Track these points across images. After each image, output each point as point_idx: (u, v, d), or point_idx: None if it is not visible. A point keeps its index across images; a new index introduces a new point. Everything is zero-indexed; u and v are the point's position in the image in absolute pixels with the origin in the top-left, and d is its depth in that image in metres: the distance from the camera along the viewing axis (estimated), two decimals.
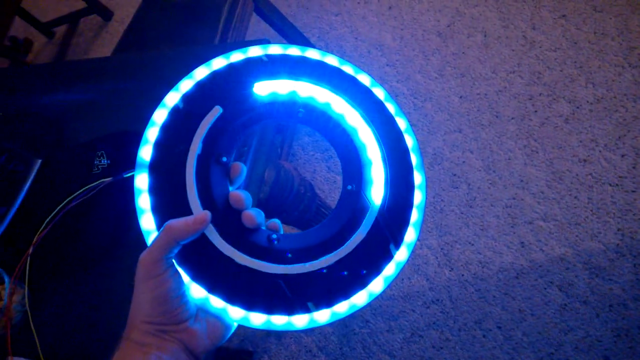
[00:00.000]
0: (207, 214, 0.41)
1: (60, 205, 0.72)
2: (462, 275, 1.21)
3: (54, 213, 0.71)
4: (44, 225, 0.70)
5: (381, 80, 1.53)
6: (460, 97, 1.41)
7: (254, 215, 0.44)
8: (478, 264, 1.21)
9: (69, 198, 0.73)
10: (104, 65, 1.06)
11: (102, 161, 0.81)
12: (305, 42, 1.51)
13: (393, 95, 1.49)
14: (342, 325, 1.27)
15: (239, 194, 0.44)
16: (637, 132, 1.20)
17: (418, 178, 0.48)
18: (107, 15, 2.20)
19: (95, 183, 0.74)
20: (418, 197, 0.48)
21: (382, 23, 1.63)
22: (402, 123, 0.51)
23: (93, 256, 0.75)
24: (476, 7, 1.52)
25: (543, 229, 1.19)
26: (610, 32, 1.33)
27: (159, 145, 0.45)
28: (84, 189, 0.73)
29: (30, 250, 0.69)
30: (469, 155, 1.33)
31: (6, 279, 0.71)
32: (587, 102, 1.28)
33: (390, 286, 1.23)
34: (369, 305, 1.25)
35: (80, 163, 0.83)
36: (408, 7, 1.62)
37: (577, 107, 1.28)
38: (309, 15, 1.76)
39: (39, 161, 0.88)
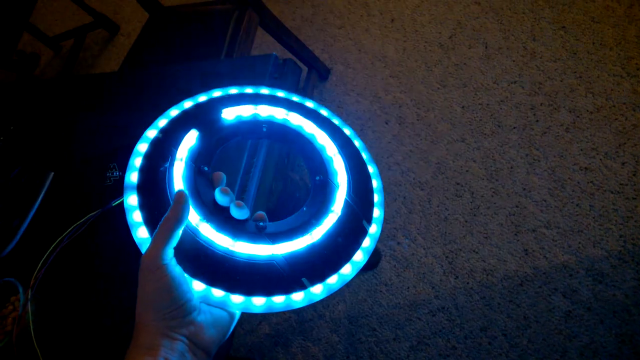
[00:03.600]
0: (181, 191, 0.44)
1: (52, 246, 0.73)
2: (467, 283, 1.23)
3: (45, 256, 0.72)
4: (39, 265, 0.71)
5: (385, 91, 1.56)
6: (463, 107, 1.44)
7: (242, 203, 0.48)
8: (483, 272, 1.22)
9: (58, 240, 0.74)
10: (114, 79, 1.08)
11: (114, 173, 0.83)
12: (309, 55, 1.54)
13: (397, 105, 1.52)
14: (348, 334, 1.28)
15: (225, 187, 0.49)
16: (637, 140, 1.22)
17: (371, 169, 0.58)
18: (113, 29, 2.23)
19: (84, 219, 0.75)
20: (375, 183, 0.56)
21: (385, 35, 1.66)
22: (347, 131, 0.61)
23: (100, 271, 0.76)
24: (477, 19, 1.55)
25: (546, 237, 1.20)
26: (608, 42, 1.36)
27: (144, 170, 0.50)
28: (72, 226, 0.74)
29: (34, 286, 0.70)
30: (472, 164, 1.35)
31: (20, 290, 0.72)
32: (587, 111, 1.30)
33: (396, 294, 1.25)
34: (375, 314, 1.26)
35: (92, 175, 0.85)
36: (410, 19, 1.65)
37: (578, 116, 1.30)
38: (313, 28, 1.79)
39: (51, 174, 0.90)
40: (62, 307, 0.73)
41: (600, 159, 1.23)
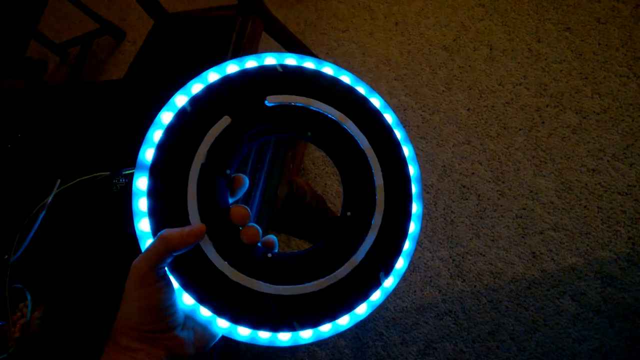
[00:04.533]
0: (203, 227, 0.41)
1: (53, 193, 0.72)
2: (475, 286, 1.22)
3: (49, 198, 0.71)
4: (38, 207, 0.70)
5: (389, 95, 1.56)
6: (468, 109, 1.44)
7: (253, 233, 0.44)
8: (490, 275, 1.22)
9: (63, 187, 0.72)
10: (120, 86, 1.09)
11: (121, 180, 0.83)
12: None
13: (402, 108, 1.52)
14: (355, 338, 1.27)
15: (241, 211, 0.44)
16: None
17: (415, 208, 0.49)
18: (119, 36, 2.25)
19: (91, 176, 0.73)
20: (412, 227, 0.49)
21: (389, 38, 1.66)
22: (406, 151, 0.51)
23: (91, 259, 0.76)
24: (481, 21, 1.55)
25: (554, 239, 1.20)
26: (614, 43, 1.35)
27: (162, 148, 0.44)
28: (76, 180, 0.73)
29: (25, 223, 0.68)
30: (478, 166, 1.35)
31: (28, 296, 0.73)
32: (594, 112, 1.29)
33: (403, 298, 1.24)
34: (382, 318, 1.26)
35: (99, 182, 0.85)
36: (414, 22, 1.65)
37: (584, 118, 1.29)
38: (317, 32, 1.80)
39: (59, 180, 0.90)
40: (71, 314, 0.73)
41: (608, 161, 1.22)
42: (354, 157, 0.49)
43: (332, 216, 1.21)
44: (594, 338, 1.08)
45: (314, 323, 0.44)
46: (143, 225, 0.43)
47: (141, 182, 0.43)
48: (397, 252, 0.48)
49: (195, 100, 0.46)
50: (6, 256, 0.81)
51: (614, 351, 1.06)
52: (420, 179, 0.51)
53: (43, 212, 0.85)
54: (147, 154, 0.44)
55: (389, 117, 0.52)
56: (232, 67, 0.48)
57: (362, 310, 0.46)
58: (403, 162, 0.50)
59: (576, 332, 1.10)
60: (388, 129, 0.51)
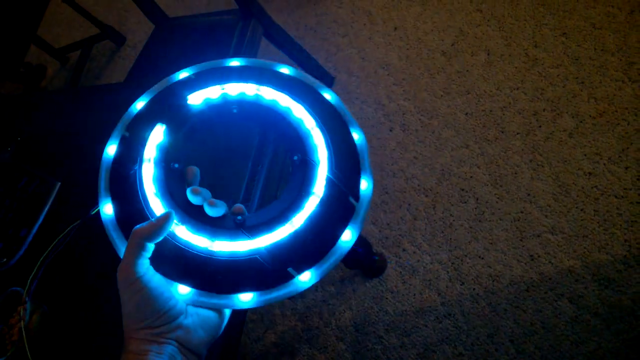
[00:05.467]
0: (170, 212, 0.43)
1: (38, 264, 0.74)
2: (473, 289, 1.22)
3: (35, 268, 0.73)
4: (31, 276, 0.72)
5: (388, 99, 1.57)
6: (466, 113, 1.45)
7: (215, 201, 0.47)
8: (489, 278, 1.22)
9: (44, 255, 0.74)
10: (119, 90, 1.10)
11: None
12: (313, 63, 1.55)
13: (400, 113, 1.53)
14: (355, 342, 1.27)
15: (196, 187, 0.47)
16: None
17: (356, 136, 0.52)
18: (119, 40, 2.26)
19: (66, 230, 0.75)
20: (356, 136, 0.52)
21: (388, 43, 1.67)
22: (327, 95, 0.55)
23: (105, 277, 0.76)
24: (479, 26, 1.56)
25: (551, 242, 1.20)
26: (610, 48, 1.36)
27: (115, 175, 0.49)
28: (56, 240, 0.75)
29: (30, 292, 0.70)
30: (476, 170, 1.36)
31: (27, 299, 0.73)
32: (590, 116, 1.30)
33: (402, 301, 1.25)
34: (381, 321, 1.26)
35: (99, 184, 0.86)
36: (413, 27, 1.66)
37: (581, 122, 1.31)
38: (317, 37, 1.81)
39: (58, 183, 0.90)
40: (68, 316, 0.73)
41: (604, 164, 1.24)
42: (280, 114, 0.53)
43: None
44: (591, 340, 1.09)
45: (308, 263, 0.45)
46: (120, 244, 0.47)
47: (107, 209, 0.48)
48: (357, 174, 0.49)
49: (130, 126, 0.53)
50: (5, 259, 0.82)
51: (612, 353, 1.06)
52: (344, 107, 0.55)
53: (40, 219, 0.85)
54: (104, 184, 0.50)
55: (286, 70, 0.57)
56: (150, 93, 0.57)
57: (347, 236, 0.46)
58: (328, 103, 0.54)
59: (574, 335, 1.10)
60: (302, 82, 0.56)
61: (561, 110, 1.34)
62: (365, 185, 0.49)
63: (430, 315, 1.24)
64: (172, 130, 0.52)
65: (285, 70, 0.57)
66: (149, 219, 0.45)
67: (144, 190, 0.47)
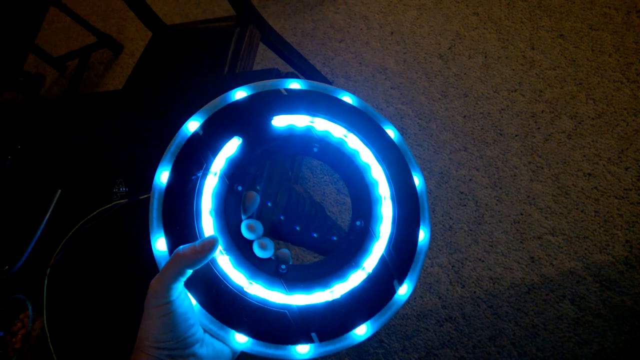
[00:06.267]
0: (215, 239, 0.42)
1: (77, 226, 0.74)
2: (474, 292, 1.22)
3: (70, 234, 0.73)
4: (60, 245, 0.72)
5: (386, 103, 1.57)
6: (464, 116, 1.45)
7: (266, 243, 0.45)
8: (489, 280, 1.22)
9: (85, 219, 0.75)
10: (119, 97, 1.10)
11: (121, 189, 0.84)
12: (310, 69, 1.55)
13: (398, 116, 1.53)
14: (356, 346, 1.27)
15: (252, 223, 0.46)
16: (639, 145, 1.23)
17: (422, 234, 0.50)
18: (117, 48, 2.26)
19: (111, 205, 0.76)
20: (422, 235, 0.49)
21: (385, 48, 1.68)
22: (416, 180, 0.52)
23: (110, 281, 0.77)
24: (475, 29, 1.57)
25: (552, 244, 1.20)
26: (607, 49, 1.37)
27: (176, 170, 0.46)
28: (98, 210, 0.75)
29: (47, 272, 0.71)
30: (475, 173, 1.36)
31: (29, 306, 0.73)
32: (589, 117, 1.30)
33: (403, 305, 1.24)
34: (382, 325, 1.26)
35: (100, 191, 0.86)
36: (410, 31, 1.67)
37: (579, 123, 1.31)
38: (314, 42, 1.82)
39: (59, 191, 0.91)
40: (72, 324, 0.73)
41: (604, 165, 1.24)
42: (358, 169, 0.51)
43: (332, 223, 1.21)
44: (594, 341, 1.08)
45: (332, 333, 0.44)
46: (160, 245, 0.44)
47: (157, 204, 0.45)
48: (410, 257, 0.48)
49: (207, 124, 0.49)
50: (7, 267, 0.82)
51: (614, 354, 1.06)
52: (426, 190, 0.52)
53: (41, 227, 0.85)
54: (162, 176, 0.46)
55: (391, 132, 0.54)
56: (240, 93, 0.51)
57: (378, 319, 0.46)
58: (408, 174, 0.51)
59: (576, 336, 1.10)
60: (391, 144, 0.53)
61: (559, 112, 1.34)
62: (414, 270, 0.48)
63: (431, 319, 1.23)
64: (246, 148, 0.49)
65: (388, 131, 0.54)
66: (195, 233, 0.44)
67: (200, 203, 0.46)
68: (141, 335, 0.40)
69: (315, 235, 1.14)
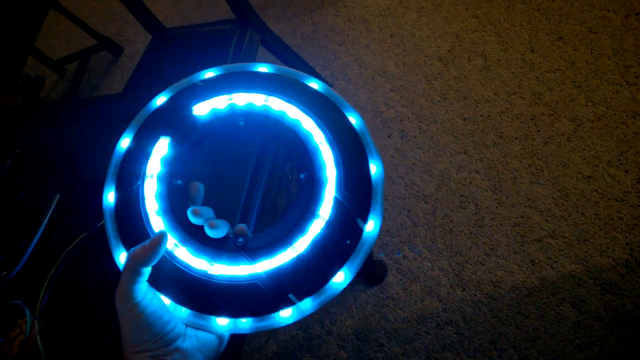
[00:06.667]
0: (162, 233, 0.42)
1: (51, 272, 0.74)
2: (475, 295, 1.22)
3: (47, 280, 0.73)
4: (42, 290, 0.71)
5: (386, 106, 1.57)
6: (464, 119, 1.45)
7: (216, 223, 0.45)
8: (490, 284, 1.22)
9: (56, 264, 0.74)
10: (117, 101, 1.10)
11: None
12: (310, 72, 1.55)
13: (398, 119, 1.53)
14: (357, 350, 1.27)
15: (196, 208, 0.46)
16: (639, 147, 1.22)
17: (373, 167, 0.49)
18: (117, 51, 2.26)
19: (76, 240, 0.75)
20: (374, 168, 0.48)
21: (384, 50, 1.68)
22: (352, 120, 0.51)
23: (101, 289, 0.76)
24: (475, 32, 1.57)
25: (552, 247, 1.20)
26: (606, 52, 1.37)
27: (119, 186, 0.49)
28: (65, 251, 0.75)
29: (37, 307, 0.70)
30: (475, 175, 1.36)
31: (27, 312, 0.72)
32: (588, 120, 1.30)
33: (403, 308, 1.24)
34: (383, 329, 1.25)
35: (98, 196, 0.86)
36: (409, 34, 1.67)
37: (579, 125, 1.31)
38: (314, 45, 1.82)
39: (57, 195, 0.90)
40: (69, 329, 0.73)
41: (603, 167, 1.24)
42: (287, 126, 0.51)
43: None
44: (594, 345, 1.08)
45: (309, 290, 0.43)
46: (122, 259, 0.46)
47: (110, 223, 0.47)
48: (367, 194, 0.46)
49: (136, 137, 0.51)
50: (5, 272, 0.81)
51: (615, 357, 1.06)
52: (366, 128, 0.50)
53: (40, 231, 0.85)
54: (109, 197, 0.49)
55: (315, 85, 0.53)
56: (160, 99, 0.55)
57: (353, 262, 0.44)
58: (342, 117, 0.50)
59: (577, 339, 1.10)
60: (318, 95, 0.52)
61: (559, 115, 1.34)
62: (376, 205, 0.46)
63: (431, 322, 1.23)
64: (176, 143, 0.51)
65: (312, 84, 0.54)
66: (149, 235, 0.45)
67: (145, 208, 0.47)
68: (124, 344, 0.41)
69: None
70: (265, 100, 0.52)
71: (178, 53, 1.39)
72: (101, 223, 0.74)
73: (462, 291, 1.24)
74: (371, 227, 0.45)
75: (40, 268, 0.79)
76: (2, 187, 0.95)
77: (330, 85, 1.67)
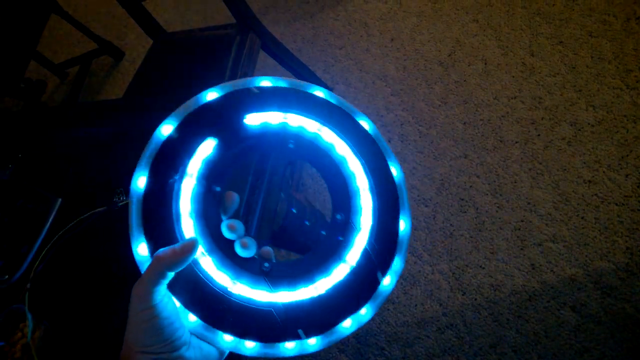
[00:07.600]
0: (194, 240, 0.42)
1: (56, 237, 0.74)
2: (475, 299, 1.22)
3: (50, 245, 0.73)
4: (41, 256, 0.71)
5: (386, 110, 1.57)
6: (464, 123, 1.45)
7: (248, 242, 0.45)
8: (490, 288, 1.22)
9: (64, 229, 0.74)
10: (120, 105, 1.10)
11: (122, 197, 0.84)
12: (311, 76, 1.56)
13: (398, 123, 1.53)
14: (357, 354, 1.27)
15: (233, 223, 0.46)
16: (639, 152, 1.22)
17: (402, 224, 0.50)
18: (118, 55, 2.27)
19: (88, 213, 0.75)
20: (403, 225, 0.50)
21: (385, 54, 1.68)
22: (394, 170, 0.52)
23: (97, 287, 0.76)
24: (475, 36, 1.57)
25: (552, 251, 1.20)
26: (606, 56, 1.37)
27: (153, 174, 0.46)
28: (76, 220, 0.75)
29: (28, 286, 0.70)
30: (475, 179, 1.36)
31: (29, 317, 0.73)
32: (589, 124, 1.31)
33: (404, 312, 1.24)
34: (383, 333, 1.25)
35: (100, 200, 0.86)
36: (410, 38, 1.67)
37: (579, 130, 1.31)
38: (314, 49, 1.82)
39: (59, 200, 0.91)
40: (71, 333, 0.73)
41: (604, 172, 1.24)
42: (334, 162, 0.51)
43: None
44: (595, 349, 1.08)
45: (318, 329, 0.44)
46: (141, 250, 0.44)
47: (136, 209, 0.45)
48: (392, 248, 0.48)
49: (180, 127, 0.49)
50: (7, 276, 0.82)
51: None
52: (404, 180, 0.52)
53: (41, 236, 0.85)
54: (140, 181, 0.46)
55: (366, 124, 0.54)
56: (211, 94, 0.51)
57: (364, 312, 0.46)
58: (385, 164, 0.52)
59: (577, 344, 1.10)
60: (366, 136, 0.53)
61: (559, 119, 1.34)
62: (398, 264, 0.48)
63: (432, 326, 1.23)
64: (222, 147, 0.49)
65: (362, 122, 0.54)
66: (176, 237, 0.44)
67: (178, 206, 0.45)
68: (127, 341, 0.40)
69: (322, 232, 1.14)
70: (319, 130, 0.51)
71: (179, 57, 1.40)
72: (124, 202, 0.74)
73: (463, 295, 1.24)
74: (388, 282, 0.47)
75: (42, 273, 0.79)
76: (4, 192, 0.95)
77: (331, 89, 1.67)
